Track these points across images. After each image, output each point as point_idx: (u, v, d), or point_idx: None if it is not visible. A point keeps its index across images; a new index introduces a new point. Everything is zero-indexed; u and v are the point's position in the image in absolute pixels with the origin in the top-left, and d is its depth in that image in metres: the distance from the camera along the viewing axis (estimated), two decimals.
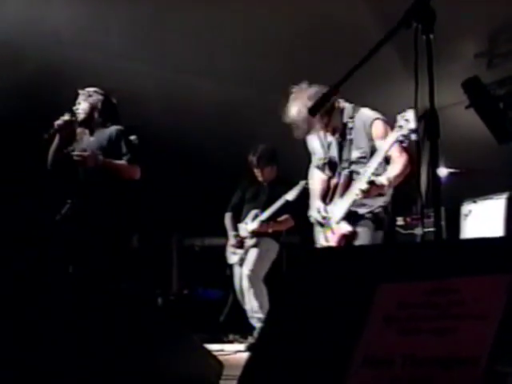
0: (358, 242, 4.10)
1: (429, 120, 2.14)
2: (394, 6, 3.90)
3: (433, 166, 2.45)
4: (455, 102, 6.63)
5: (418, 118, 3.19)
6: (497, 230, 5.86)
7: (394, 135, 3.73)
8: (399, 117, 3.63)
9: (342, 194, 4.17)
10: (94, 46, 6.70)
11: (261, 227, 6.32)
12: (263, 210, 6.35)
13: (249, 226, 6.42)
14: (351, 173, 4.20)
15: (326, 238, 4.26)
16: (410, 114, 3.42)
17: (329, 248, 3.74)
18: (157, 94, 7.30)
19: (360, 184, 3.96)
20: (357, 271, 1.86)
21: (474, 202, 6.39)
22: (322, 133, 4.36)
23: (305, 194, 5.71)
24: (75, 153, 4.95)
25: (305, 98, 4.00)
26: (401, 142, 3.72)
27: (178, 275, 8.74)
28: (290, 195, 6.12)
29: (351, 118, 4.24)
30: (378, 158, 3.92)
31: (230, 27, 6.55)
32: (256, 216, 6.39)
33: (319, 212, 4.29)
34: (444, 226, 6.35)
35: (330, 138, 4.35)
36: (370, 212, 4.20)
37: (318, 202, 4.36)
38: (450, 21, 5.46)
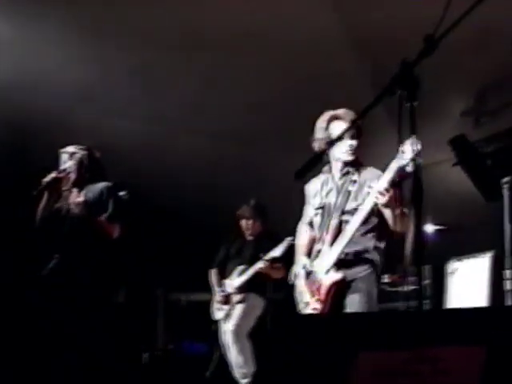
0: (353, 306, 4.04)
1: (413, 184, 2.15)
2: (382, 59, 3.99)
3: (417, 229, 2.45)
4: (443, 160, 6.68)
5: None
6: (482, 288, 5.87)
7: (393, 165, 3.70)
8: (399, 149, 3.60)
9: (331, 244, 4.09)
10: (79, 102, 6.75)
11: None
12: (248, 265, 6.34)
13: (234, 281, 6.41)
14: (341, 222, 4.12)
15: (311, 293, 4.15)
16: (406, 146, 3.38)
17: (311, 315, 3.68)
18: (143, 149, 7.34)
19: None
20: (338, 339, 1.86)
21: (460, 260, 6.40)
22: (326, 176, 4.32)
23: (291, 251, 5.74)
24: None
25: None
26: (399, 174, 3.68)
27: (164, 330, 8.68)
28: (276, 252, 6.12)
29: (357, 169, 4.22)
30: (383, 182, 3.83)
31: (220, 84, 6.60)
32: (241, 272, 6.38)
33: (304, 267, 4.25)
34: (430, 284, 6.36)
35: (332, 185, 4.28)
36: (364, 254, 4.10)
37: (303, 258, 4.33)
38: (437, 79, 5.53)
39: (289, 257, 6.06)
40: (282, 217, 6.13)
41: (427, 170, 8.34)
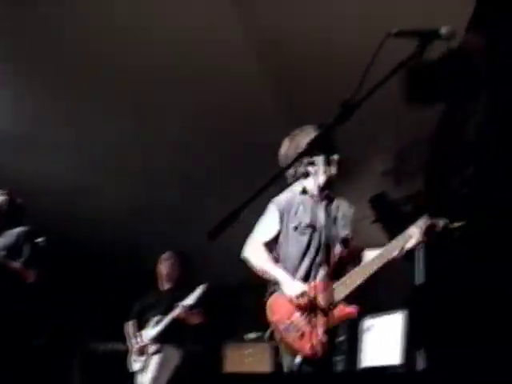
0: None
1: (324, 248, 2.19)
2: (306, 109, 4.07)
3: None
4: (362, 217, 6.80)
5: None
6: (395, 345, 5.96)
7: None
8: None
9: (333, 275, 3.84)
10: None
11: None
12: (164, 315, 6.30)
13: (150, 332, 6.36)
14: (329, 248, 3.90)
15: (308, 326, 3.73)
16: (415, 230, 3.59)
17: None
18: (65, 194, 7.26)
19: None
20: None
21: (374, 317, 6.49)
22: (300, 195, 4.09)
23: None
24: None
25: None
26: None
27: (80, 379, 8.47)
28: (190, 299, 6.13)
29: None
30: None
31: (147, 130, 6.62)
32: (157, 322, 6.33)
33: (303, 295, 3.75)
34: (345, 340, 6.40)
35: (315, 206, 4.04)
36: None
37: (298, 283, 3.84)
38: (359, 138, 5.68)
39: (205, 302, 6.07)
40: (201, 267, 6.13)
41: None
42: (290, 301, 3.79)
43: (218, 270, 7.31)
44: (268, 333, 3.93)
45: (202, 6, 5.22)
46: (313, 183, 3.98)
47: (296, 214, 4.04)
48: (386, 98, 3.65)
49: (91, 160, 7.05)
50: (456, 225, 2.04)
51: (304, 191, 4.07)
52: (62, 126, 6.56)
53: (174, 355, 6.37)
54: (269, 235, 4.04)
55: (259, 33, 5.50)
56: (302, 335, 3.70)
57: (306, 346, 3.65)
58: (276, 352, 6.82)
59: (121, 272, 7.78)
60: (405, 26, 2.36)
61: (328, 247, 3.84)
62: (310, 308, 3.72)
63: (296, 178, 4.04)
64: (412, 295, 5.18)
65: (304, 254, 3.94)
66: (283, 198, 4.08)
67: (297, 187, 4.09)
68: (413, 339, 5.74)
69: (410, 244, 3.78)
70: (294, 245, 3.98)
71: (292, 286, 3.81)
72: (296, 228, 4.00)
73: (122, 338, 6.73)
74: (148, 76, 5.89)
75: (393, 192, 6.58)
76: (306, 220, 4.00)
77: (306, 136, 3.73)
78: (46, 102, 6.20)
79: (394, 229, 6.39)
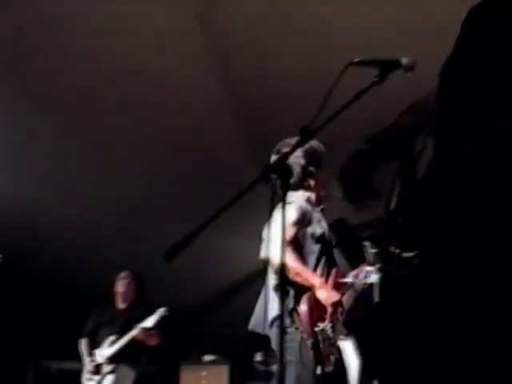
0: None
1: (279, 274, 2.19)
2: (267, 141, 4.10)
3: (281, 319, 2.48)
4: None
5: None
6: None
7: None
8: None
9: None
10: None
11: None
12: (120, 335, 6.23)
13: (105, 351, 6.29)
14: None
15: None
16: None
17: None
18: (15, 214, 7.19)
19: None
20: None
21: None
22: (305, 204, 4.15)
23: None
24: None
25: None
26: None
27: None
28: (149, 322, 6.09)
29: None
30: None
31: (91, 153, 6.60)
32: (112, 342, 6.27)
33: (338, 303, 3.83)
34: None
35: (320, 216, 4.21)
36: None
37: (334, 292, 3.91)
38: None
39: (162, 326, 6.03)
40: (158, 288, 6.09)
41: None
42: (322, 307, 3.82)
43: (175, 292, 7.26)
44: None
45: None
46: (313, 195, 4.16)
47: (310, 222, 4.11)
48: (345, 125, 3.70)
49: (46, 181, 6.99)
50: (408, 254, 2.05)
51: (308, 200, 4.16)
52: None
53: (129, 375, 6.32)
54: (291, 233, 3.97)
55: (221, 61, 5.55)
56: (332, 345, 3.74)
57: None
58: (232, 374, 6.81)
59: (75, 288, 7.69)
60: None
61: (333, 258, 4.13)
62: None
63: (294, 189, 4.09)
64: (364, 322, 5.19)
65: (317, 263, 4.06)
66: (300, 202, 4.11)
67: (298, 197, 4.13)
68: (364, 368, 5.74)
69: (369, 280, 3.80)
70: (309, 252, 4.06)
71: (329, 294, 3.85)
72: (312, 236, 4.09)
73: (76, 356, 6.65)
74: (108, 100, 5.89)
75: (353, 217, 6.60)
76: (319, 230, 4.12)
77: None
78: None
79: (353, 255, 6.45)
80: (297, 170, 4.04)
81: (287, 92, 5.64)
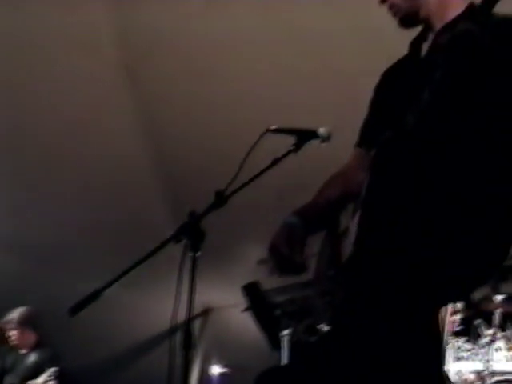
0: None
1: (184, 332, 2.16)
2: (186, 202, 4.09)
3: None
4: (234, 304, 6.81)
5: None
6: None
7: None
8: None
9: None
10: None
11: None
12: (21, 381, 6.02)
13: None
14: None
15: None
16: None
17: None
18: None
19: None
20: None
21: None
22: None
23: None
24: None
25: None
26: None
27: None
28: (40, 380, 5.89)
29: None
30: None
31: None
32: None
33: None
34: None
35: None
36: None
37: None
38: (236, 224, 5.74)
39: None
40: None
41: (219, 312, 8.46)
42: None
43: (78, 348, 7.08)
44: None
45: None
46: None
47: None
48: (264, 189, 3.74)
49: None
50: (321, 326, 2.05)
51: None
52: None
53: None
54: None
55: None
56: None
57: None
58: None
59: None
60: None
61: None
62: None
63: None
64: None
65: None
66: None
67: None
68: None
69: None
70: None
71: None
72: None
73: None
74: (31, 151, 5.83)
75: (266, 282, 6.62)
76: None
77: None
78: None
79: (264, 320, 6.45)
80: None
81: (210, 152, 5.67)
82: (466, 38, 1.58)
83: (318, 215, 2.11)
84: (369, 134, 2.18)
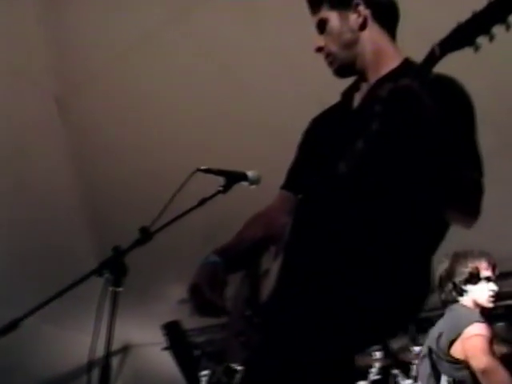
0: None
1: (102, 368, 2.13)
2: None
3: None
4: (154, 342, 6.73)
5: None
6: None
7: None
8: None
9: None
10: None
11: None
12: None
13: None
14: None
15: None
16: None
17: None
18: None
19: None
20: None
21: None
22: None
23: None
24: None
25: None
26: None
27: None
28: None
29: None
30: None
31: None
32: None
33: None
34: None
35: None
36: None
37: None
38: (159, 262, 5.70)
39: None
40: None
41: (138, 350, 8.33)
42: None
43: None
44: None
45: None
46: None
47: None
48: (189, 229, 3.75)
49: None
50: (236, 367, 2.05)
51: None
52: None
53: None
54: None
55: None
56: None
57: None
58: None
59: None
60: None
61: None
62: None
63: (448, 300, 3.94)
64: None
65: None
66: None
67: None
68: None
69: None
70: None
71: None
72: None
73: None
74: None
75: (187, 322, 6.58)
76: None
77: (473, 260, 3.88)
78: None
79: (183, 359, 6.40)
80: None
81: (138, 190, 5.64)
82: (407, 93, 1.64)
83: (239, 255, 2.11)
84: (295, 178, 2.22)
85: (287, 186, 2.25)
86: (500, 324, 5.43)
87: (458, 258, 3.91)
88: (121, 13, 4.82)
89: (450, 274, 3.89)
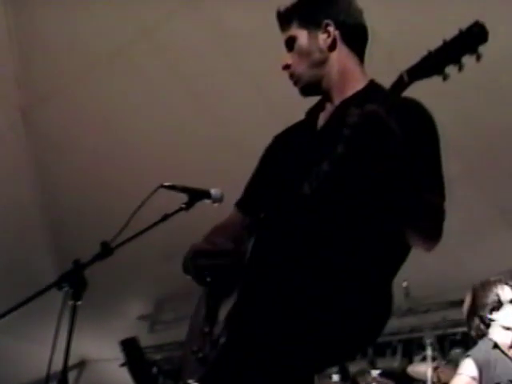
0: None
1: (58, 382, 2.11)
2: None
3: None
4: (113, 358, 6.66)
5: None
6: None
7: None
8: None
9: None
10: None
11: None
12: None
13: None
14: None
15: None
16: None
17: None
18: None
19: None
20: None
21: None
22: None
23: None
24: None
25: None
26: None
27: None
28: None
29: None
30: None
31: None
32: None
33: None
34: None
35: None
36: None
37: None
38: (119, 278, 5.66)
39: None
40: None
41: (95, 365, 8.25)
42: None
43: None
44: None
45: None
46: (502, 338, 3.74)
47: (495, 370, 3.72)
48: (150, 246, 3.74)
49: None
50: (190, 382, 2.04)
51: (495, 346, 3.75)
52: None
53: None
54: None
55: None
56: None
57: None
58: None
59: None
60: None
61: None
62: None
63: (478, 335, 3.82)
64: None
65: None
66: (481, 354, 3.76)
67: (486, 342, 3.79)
68: None
69: None
70: None
71: None
72: None
73: None
74: None
75: (145, 339, 6.53)
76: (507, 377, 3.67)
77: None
78: None
79: (140, 376, 6.32)
80: None
81: (100, 204, 5.60)
82: (373, 119, 1.64)
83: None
84: (253, 196, 2.23)
85: (244, 202, 2.25)
86: (457, 350, 5.47)
87: (477, 291, 3.84)
88: (89, 24, 4.82)
89: (474, 310, 3.81)
